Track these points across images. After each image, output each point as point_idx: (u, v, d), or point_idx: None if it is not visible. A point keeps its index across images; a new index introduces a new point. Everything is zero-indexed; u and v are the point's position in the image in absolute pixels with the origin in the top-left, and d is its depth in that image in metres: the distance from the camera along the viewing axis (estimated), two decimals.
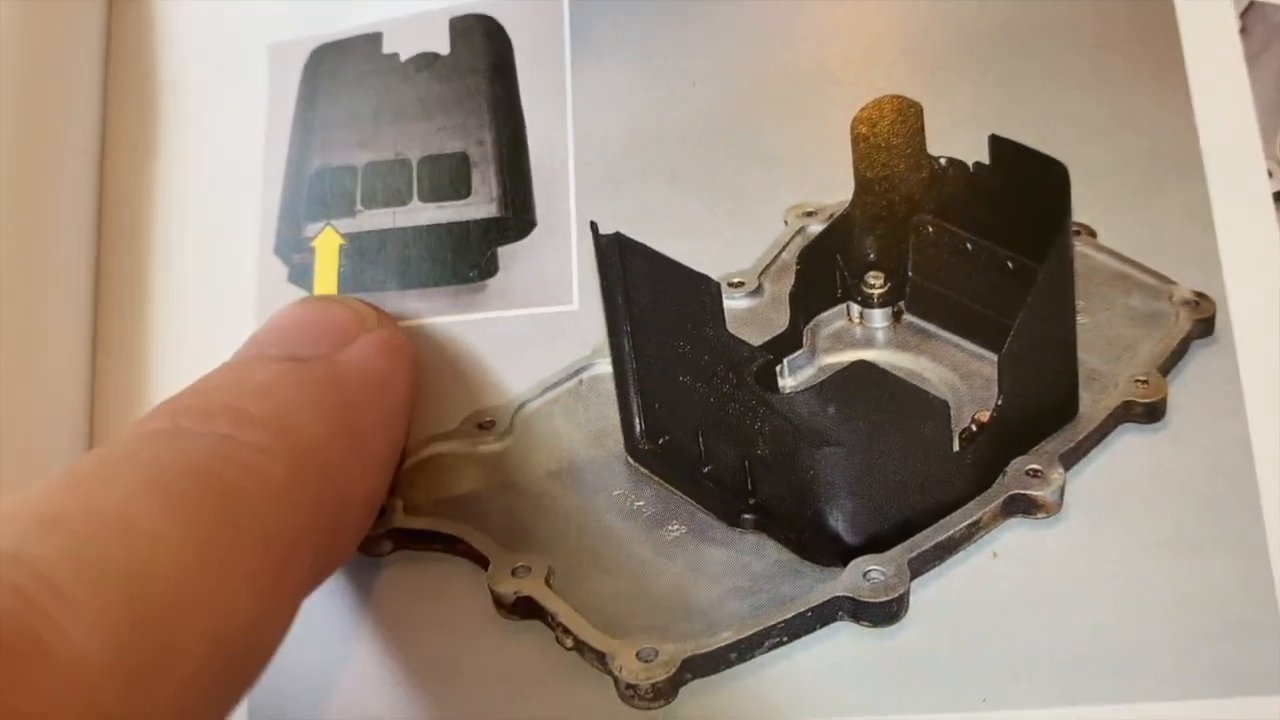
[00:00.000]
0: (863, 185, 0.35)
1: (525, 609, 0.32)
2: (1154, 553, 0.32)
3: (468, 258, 0.36)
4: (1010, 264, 0.34)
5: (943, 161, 0.34)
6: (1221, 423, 0.33)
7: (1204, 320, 0.35)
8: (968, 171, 0.34)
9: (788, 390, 0.33)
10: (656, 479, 0.34)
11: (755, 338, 0.34)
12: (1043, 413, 0.33)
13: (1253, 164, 0.37)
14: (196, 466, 0.28)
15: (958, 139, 0.35)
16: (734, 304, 0.35)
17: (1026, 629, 0.31)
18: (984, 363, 0.34)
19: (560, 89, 0.37)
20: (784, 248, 0.36)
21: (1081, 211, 0.35)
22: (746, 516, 0.32)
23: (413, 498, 0.34)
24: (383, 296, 0.36)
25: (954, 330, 0.35)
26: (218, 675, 0.26)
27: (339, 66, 0.38)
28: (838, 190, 0.35)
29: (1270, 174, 0.37)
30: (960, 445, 0.32)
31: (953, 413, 0.31)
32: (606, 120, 0.37)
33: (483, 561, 0.33)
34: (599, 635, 0.31)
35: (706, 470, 0.33)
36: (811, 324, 0.35)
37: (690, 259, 0.31)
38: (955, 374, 0.34)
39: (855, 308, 0.36)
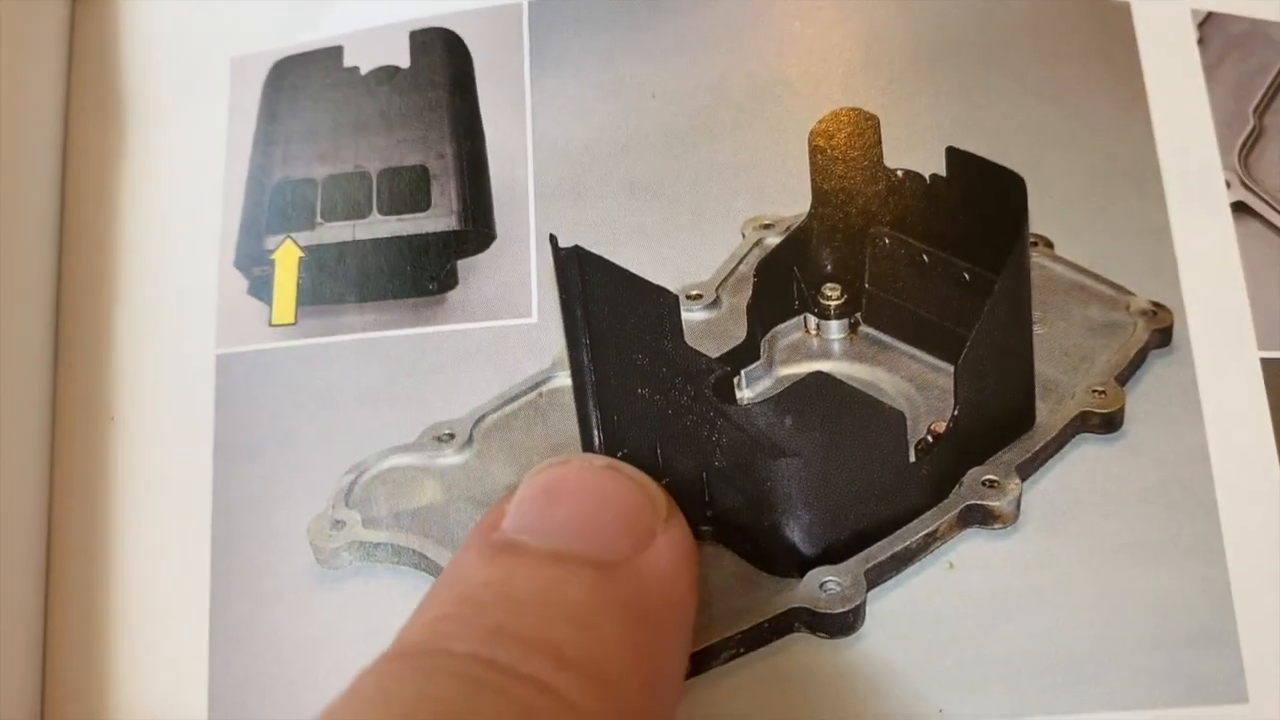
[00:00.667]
0: (820, 197, 0.35)
1: None
2: (1111, 562, 0.32)
3: (427, 270, 0.36)
4: (967, 275, 0.34)
5: (899, 173, 0.34)
6: (1179, 432, 0.34)
7: (1162, 330, 0.35)
8: (924, 183, 0.34)
9: (745, 402, 0.33)
10: None
11: (713, 350, 0.34)
12: (999, 423, 0.33)
13: (1210, 174, 0.37)
14: None
15: (916, 150, 0.35)
16: (692, 316, 0.35)
17: (983, 639, 0.31)
18: (940, 374, 0.34)
19: (520, 102, 0.38)
20: (741, 260, 0.36)
21: (1039, 222, 0.35)
22: (704, 528, 0.32)
23: (371, 511, 0.34)
24: (342, 309, 0.36)
25: (910, 341, 0.35)
26: None
27: (300, 80, 0.38)
28: (795, 202, 0.35)
29: (1228, 184, 0.37)
30: (916, 456, 0.32)
31: (909, 424, 0.31)
32: (566, 132, 0.37)
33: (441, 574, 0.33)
34: None
35: (665, 482, 0.33)
36: (769, 336, 0.35)
37: (649, 271, 0.31)
38: (911, 385, 0.35)
39: (812, 319, 0.36)
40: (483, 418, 0.35)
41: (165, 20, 0.40)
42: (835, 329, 0.36)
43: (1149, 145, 0.37)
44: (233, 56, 0.39)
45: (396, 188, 0.37)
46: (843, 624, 0.31)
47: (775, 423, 0.30)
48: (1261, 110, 0.38)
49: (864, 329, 0.36)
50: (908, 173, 0.34)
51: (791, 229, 0.35)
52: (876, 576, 0.31)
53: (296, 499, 0.34)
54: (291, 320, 0.36)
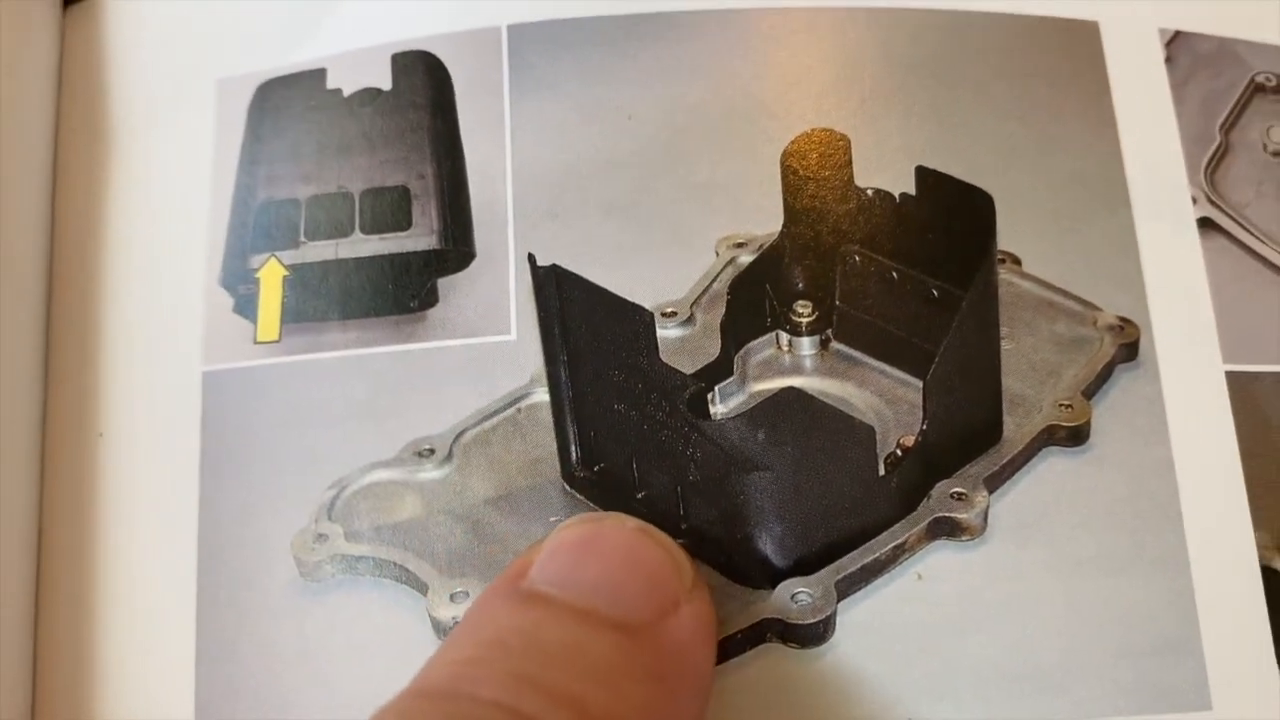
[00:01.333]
0: (792, 216, 0.35)
1: None
2: (1078, 573, 0.32)
3: (408, 289, 0.37)
4: (935, 292, 0.34)
5: (870, 192, 0.35)
6: (1145, 445, 0.34)
7: (1128, 345, 0.36)
8: (894, 202, 0.35)
9: (719, 417, 0.34)
10: (592, 505, 0.34)
11: (687, 366, 0.34)
12: (967, 437, 0.34)
13: (1177, 191, 0.37)
14: None
15: (887, 169, 0.36)
16: (667, 333, 0.36)
17: (952, 649, 0.32)
18: (909, 389, 0.35)
19: (499, 123, 0.38)
20: (715, 278, 0.36)
21: (1008, 239, 0.36)
22: (678, 541, 0.33)
23: (353, 525, 0.34)
24: (325, 327, 0.37)
25: (880, 357, 0.36)
26: None
27: (284, 101, 0.39)
28: (768, 221, 0.36)
29: (1195, 200, 0.37)
30: (886, 469, 0.33)
31: (878, 438, 0.32)
32: (545, 153, 0.38)
33: (422, 587, 0.33)
34: None
35: (640, 496, 0.34)
36: (742, 352, 0.36)
37: (625, 289, 0.32)
38: (881, 400, 0.35)
39: (784, 336, 0.36)
40: (462, 433, 0.35)
41: (153, 42, 0.41)
42: (807, 345, 0.36)
43: (1117, 162, 0.37)
44: (219, 78, 0.40)
45: (378, 207, 0.38)
46: (813, 634, 0.31)
47: (748, 437, 0.31)
48: (1228, 127, 0.39)
49: (835, 345, 0.36)
50: (878, 192, 0.35)
51: (764, 247, 0.36)
52: (847, 588, 0.32)
53: (280, 513, 0.35)
54: (276, 338, 0.37)
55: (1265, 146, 0.39)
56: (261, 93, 0.39)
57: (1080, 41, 0.39)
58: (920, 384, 0.33)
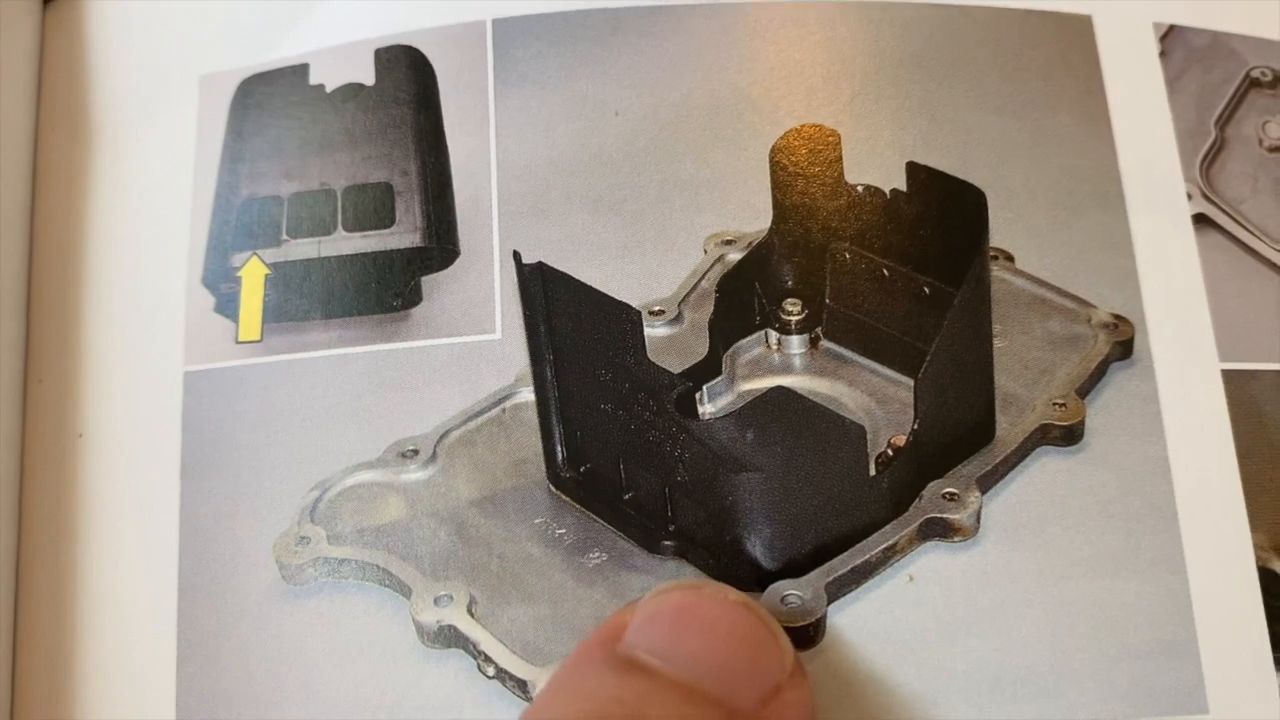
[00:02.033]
0: (781, 213, 0.35)
1: (448, 637, 0.32)
2: (1072, 574, 0.32)
3: (391, 287, 0.36)
4: (927, 290, 0.34)
5: (860, 189, 0.35)
6: (1140, 444, 0.34)
7: (1123, 343, 0.35)
8: (885, 198, 0.34)
9: (707, 417, 0.34)
10: (578, 507, 0.34)
11: (675, 365, 0.34)
12: (959, 437, 0.33)
13: (1172, 186, 0.37)
14: None
15: (877, 165, 0.35)
16: (654, 332, 0.35)
17: (943, 652, 0.31)
18: (900, 387, 0.35)
19: (484, 119, 0.38)
20: (703, 276, 0.36)
21: (1000, 236, 0.35)
22: (667, 543, 0.33)
23: (336, 527, 0.34)
24: (307, 326, 0.36)
25: (870, 356, 0.36)
26: None
27: (266, 97, 0.38)
28: (757, 218, 0.36)
29: (1189, 196, 0.37)
30: (877, 470, 0.32)
31: (869, 437, 0.32)
32: (530, 150, 0.37)
33: (405, 590, 0.33)
34: (520, 663, 0.31)
35: (627, 497, 0.33)
36: (730, 351, 0.36)
37: (612, 287, 0.32)
38: (871, 399, 0.35)
39: (773, 334, 0.36)
40: (446, 434, 0.35)
41: (134, 39, 0.40)
42: (796, 344, 0.36)
43: (1111, 158, 0.37)
44: (201, 75, 0.39)
45: (361, 205, 0.37)
46: (804, 637, 0.31)
47: (737, 437, 0.31)
48: (1223, 122, 0.38)
49: (824, 344, 0.36)
50: (868, 188, 0.35)
51: (753, 245, 0.35)
52: (837, 590, 0.32)
53: (262, 515, 0.34)
54: (258, 337, 0.36)
55: (1261, 142, 0.38)
56: (243, 89, 0.39)
57: (1074, 35, 0.38)
58: (911, 383, 0.33)
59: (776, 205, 0.35)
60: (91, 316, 0.38)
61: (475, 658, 0.32)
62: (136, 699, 0.34)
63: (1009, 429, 0.34)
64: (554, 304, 0.33)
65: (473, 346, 0.36)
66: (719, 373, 0.35)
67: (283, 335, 0.36)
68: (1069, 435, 0.34)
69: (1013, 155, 0.37)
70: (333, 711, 0.32)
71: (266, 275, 0.37)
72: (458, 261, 0.36)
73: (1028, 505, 0.33)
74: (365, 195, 0.37)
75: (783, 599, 0.31)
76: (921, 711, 0.31)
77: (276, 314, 0.36)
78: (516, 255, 0.32)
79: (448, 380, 0.35)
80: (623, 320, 0.31)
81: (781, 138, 0.35)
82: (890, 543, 0.32)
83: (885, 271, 0.34)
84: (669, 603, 0.28)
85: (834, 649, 0.31)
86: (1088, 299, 0.36)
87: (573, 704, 0.27)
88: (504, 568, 0.33)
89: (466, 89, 0.38)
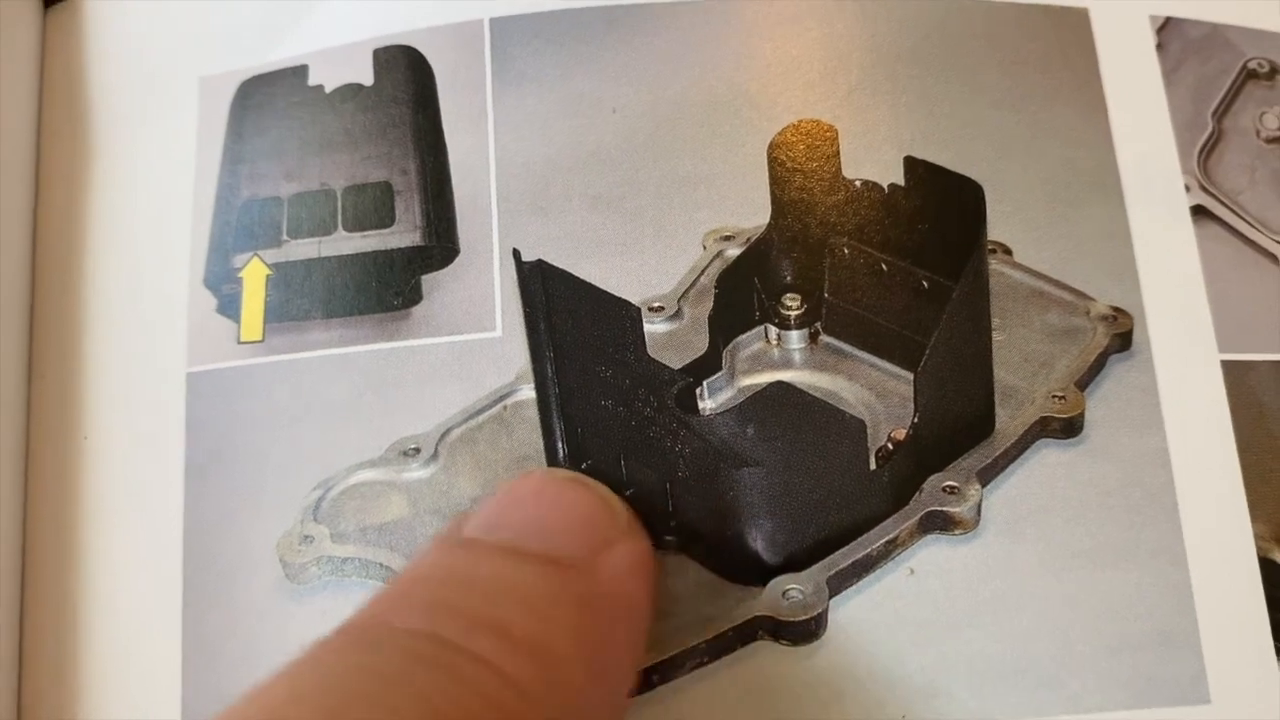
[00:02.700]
0: (779, 208, 0.35)
1: None
2: (1073, 566, 0.32)
3: (392, 286, 0.36)
4: (925, 283, 0.34)
5: (858, 183, 0.35)
6: (1140, 436, 0.34)
7: (1122, 335, 0.35)
8: (883, 193, 0.34)
9: (707, 412, 0.34)
10: None
11: (675, 361, 0.34)
12: (959, 430, 0.33)
13: (1170, 178, 0.37)
14: (464, 712, 0.25)
15: (875, 160, 0.35)
16: (654, 328, 0.35)
17: (945, 645, 0.31)
18: (900, 382, 0.35)
19: (482, 117, 0.38)
20: (702, 271, 0.36)
21: (998, 229, 0.35)
22: (668, 538, 0.33)
23: (339, 526, 0.34)
24: (308, 325, 0.36)
25: (870, 350, 0.36)
26: None
27: (266, 98, 0.39)
28: (755, 214, 0.36)
29: (1187, 188, 0.37)
30: (877, 463, 0.32)
31: (869, 431, 0.32)
32: (528, 147, 0.37)
33: None
34: None
35: (629, 493, 0.33)
36: (730, 346, 0.36)
37: (611, 284, 0.32)
38: (872, 393, 0.35)
39: (773, 330, 0.36)
40: (448, 432, 0.35)
41: (134, 41, 0.40)
42: (796, 339, 0.36)
43: (1108, 150, 0.37)
44: (201, 76, 0.40)
45: (361, 204, 0.37)
46: (805, 631, 0.31)
47: (737, 432, 0.31)
48: (1220, 114, 0.38)
49: (824, 338, 0.36)
50: (866, 183, 0.35)
51: (751, 240, 0.36)
52: (838, 584, 0.32)
53: (266, 514, 0.34)
54: (259, 337, 0.36)
55: (1258, 133, 0.38)
56: (243, 90, 0.39)
57: (1070, 28, 0.38)
58: (911, 376, 0.33)
59: (775, 201, 0.35)
60: (94, 319, 0.38)
61: None
62: (142, 698, 0.34)
63: (1009, 422, 0.34)
64: (554, 301, 0.33)
65: (473, 344, 0.36)
66: (719, 368, 0.35)
67: (284, 335, 0.36)
68: (1069, 427, 0.34)
69: (1010, 149, 0.37)
70: None
71: (268, 276, 0.37)
72: (457, 260, 0.37)
73: (1028, 497, 0.33)
74: (365, 195, 0.37)
75: (784, 593, 0.31)
76: (924, 703, 0.31)
77: (278, 314, 0.37)
78: (516, 253, 0.32)
79: (449, 378, 0.36)
80: (622, 317, 0.31)
81: (779, 133, 0.35)
82: (891, 536, 0.32)
83: (884, 266, 0.35)
84: (500, 488, 0.30)
85: (836, 642, 0.31)
86: (1086, 291, 0.36)
87: (415, 582, 0.28)
88: None
89: (464, 88, 0.38)
